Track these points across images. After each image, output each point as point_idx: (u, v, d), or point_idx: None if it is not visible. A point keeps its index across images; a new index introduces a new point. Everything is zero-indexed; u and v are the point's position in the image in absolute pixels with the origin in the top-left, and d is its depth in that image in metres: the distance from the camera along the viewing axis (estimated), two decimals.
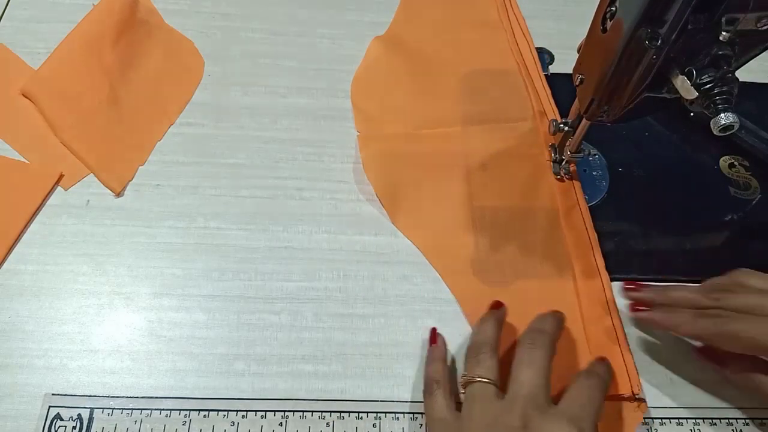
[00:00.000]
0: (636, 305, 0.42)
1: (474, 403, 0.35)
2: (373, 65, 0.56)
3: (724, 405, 0.41)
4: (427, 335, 0.43)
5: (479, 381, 0.36)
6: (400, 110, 0.53)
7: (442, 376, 0.38)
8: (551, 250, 0.46)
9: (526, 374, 0.35)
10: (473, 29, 0.58)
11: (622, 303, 0.44)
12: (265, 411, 0.39)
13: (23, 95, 0.50)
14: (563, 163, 0.49)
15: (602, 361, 0.39)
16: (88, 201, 0.47)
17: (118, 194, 0.47)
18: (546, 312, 0.40)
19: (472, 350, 0.38)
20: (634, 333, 0.44)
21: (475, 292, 0.44)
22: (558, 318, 0.40)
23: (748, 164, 0.52)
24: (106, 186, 0.47)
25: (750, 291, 0.38)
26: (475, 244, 0.46)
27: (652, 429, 0.40)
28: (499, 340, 0.39)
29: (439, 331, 0.42)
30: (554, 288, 0.45)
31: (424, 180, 0.49)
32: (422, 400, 0.39)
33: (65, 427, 0.38)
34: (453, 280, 0.45)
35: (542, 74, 0.55)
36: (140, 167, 0.49)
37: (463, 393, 0.37)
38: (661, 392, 0.42)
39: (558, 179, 0.49)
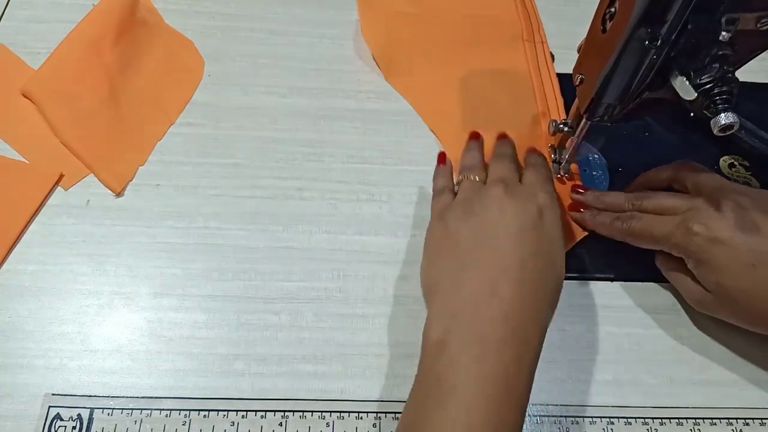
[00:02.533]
0: (574, 205, 0.47)
1: (464, 192, 0.42)
2: None
3: (724, 405, 0.41)
4: None
5: (470, 179, 0.43)
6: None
7: (450, 185, 0.44)
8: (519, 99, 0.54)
9: (499, 165, 0.43)
10: None
11: None
12: (265, 411, 0.39)
13: (23, 95, 0.50)
14: (563, 163, 0.49)
15: (534, 150, 0.45)
16: (88, 201, 0.47)
17: (118, 194, 0.47)
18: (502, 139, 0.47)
19: (465, 168, 0.44)
20: (634, 333, 0.44)
21: (459, 137, 0.50)
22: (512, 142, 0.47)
23: (748, 164, 0.52)
24: (106, 186, 0.47)
25: (670, 194, 0.42)
26: (459, 102, 0.53)
27: (652, 429, 0.40)
28: (484, 162, 0.45)
29: None
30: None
31: (420, 44, 0.56)
32: None
33: (65, 427, 0.38)
34: (441, 130, 0.52)
35: None
36: (140, 167, 0.49)
37: (457, 189, 0.43)
38: (661, 392, 0.42)
39: (557, 178, 0.49)
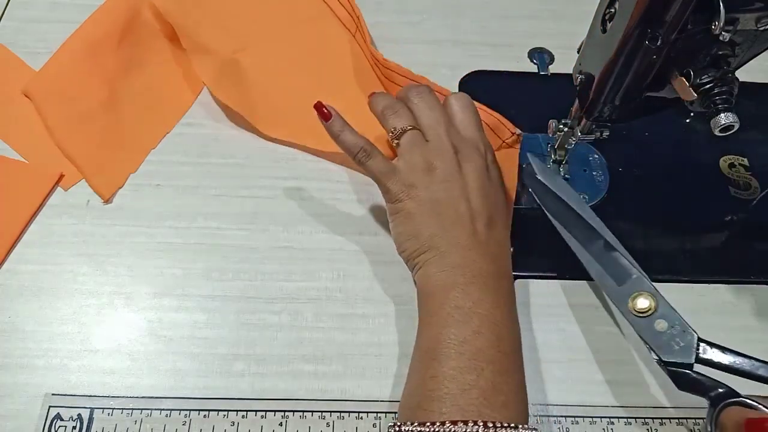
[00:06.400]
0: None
1: (413, 147, 0.42)
2: (171, 14, 0.54)
3: None
4: None
5: (408, 130, 0.42)
6: (213, 41, 0.52)
7: (364, 139, 0.42)
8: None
9: (432, 114, 0.43)
10: None
11: None
12: (265, 411, 0.39)
13: (24, 95, 0.50)
14: (563, 163, 0.49)
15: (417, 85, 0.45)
16: (88, 201, 0.47)
17: (107, 200, 0.47)
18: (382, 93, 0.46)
19: (387, 109, 0.43)
20: (634, 333, 0.44)
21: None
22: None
23: (748, 164, 0.52)
24: (95, 191, 0.47)
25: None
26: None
27: (652, 429, 0.40)
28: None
29: None
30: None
31: (262, 83, 0.51)
32: None
33: (65, 427, 0.38)
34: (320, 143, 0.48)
35: None
36: (140, 167, 0.49)
37: (396, 143, 0.42)
38: (661, 392, 0.42)
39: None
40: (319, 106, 0.42)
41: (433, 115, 0.43)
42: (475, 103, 0.47)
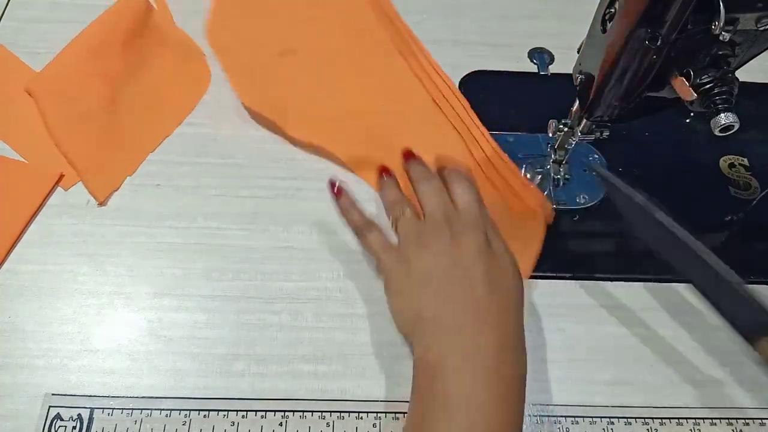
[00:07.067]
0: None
1: (408, 227, 0.41)
2: (223, 11, 0.57)
3: (724, 405, 0.41)
4: None
5: (406, 215, 0.42)
6: (259, 41, 0.55)
7: (367, 219, 0.43)
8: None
9: (433, 199, 0.42)
10: None
11: None
12: (265, 411, 0.39)
13: (27, 93, 0.50)
14: (563, 163, 0.49)
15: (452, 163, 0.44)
16: (88, 201, 0.47)
17: (102, 203, 0.47)
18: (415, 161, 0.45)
19: (392, 205, 0.43)
20: (634, 333, 0.44)
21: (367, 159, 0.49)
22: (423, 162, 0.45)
23: (748, 164, 0.52)
24: (90, 192, 0.47)
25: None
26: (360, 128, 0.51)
27: (652, 429, 0.40)
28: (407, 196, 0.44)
29: None
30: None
31: (302, 90, 0.53)
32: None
33: (65, 427, 0.38)
34: (349, 155, 0.50)
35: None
36: (140, 167, 0.49)
37: (395, 228, 0.42)
38: (661, 392, 0.42)
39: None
40: (332, 184, 0.44)
41: (434, 200, 0.42)
42: (506, 162, 0.49)
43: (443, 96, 0.53)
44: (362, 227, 0.43)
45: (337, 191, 0.44)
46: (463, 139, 0.51)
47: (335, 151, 0.50)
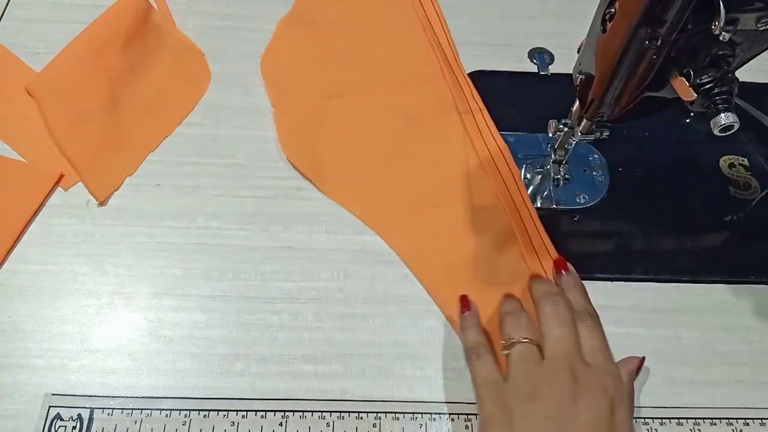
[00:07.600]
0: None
1: (521, 363, 0.37)
2: (282, 42, 0.56)
3: (724, 405, 0.41)
4: (428, 335, 0.43)
5: (523, 342, 0.38)
6: (311, 80, 0.54)
7: (485, 339, 0.40)
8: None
9: (559, 332, 0.38)
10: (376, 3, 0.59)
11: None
12: (265, 411, 0.39)
13: (28, 93, 0.50)
14: (563, 163, 0.49)
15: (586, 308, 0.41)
16: (88, 201, 0.47)
17: (102, 203, 0.47)
18: (539, 279, 0.43)
19: (510, 315, 0.40)
20: (634, 333, 0.44)
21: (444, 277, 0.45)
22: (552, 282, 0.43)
23: (748, 164, 0.52)
24: (90, 192, 0.47)
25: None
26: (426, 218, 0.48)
27: (652, 429, 0.40)
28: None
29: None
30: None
31: (344, 144, 0.51)
32: (422, 399, 0.40)
33: (65, 427, 0.38)
34: (416, 262, 0.46)
35: (449, 36, 0.56)
36: (140, 167, 0.49)
37: (506, 353, 0.38)
38: (661, 392, 0.42)
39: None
40: (464, 298, 0.42)
41: (559, 332, 0.38)
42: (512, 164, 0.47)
43: (505, 186, 0.48)
44: (473, 350, 0.39)
45: (466, 305, 0.42)
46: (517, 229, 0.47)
47: (369, 223, 0.47)
